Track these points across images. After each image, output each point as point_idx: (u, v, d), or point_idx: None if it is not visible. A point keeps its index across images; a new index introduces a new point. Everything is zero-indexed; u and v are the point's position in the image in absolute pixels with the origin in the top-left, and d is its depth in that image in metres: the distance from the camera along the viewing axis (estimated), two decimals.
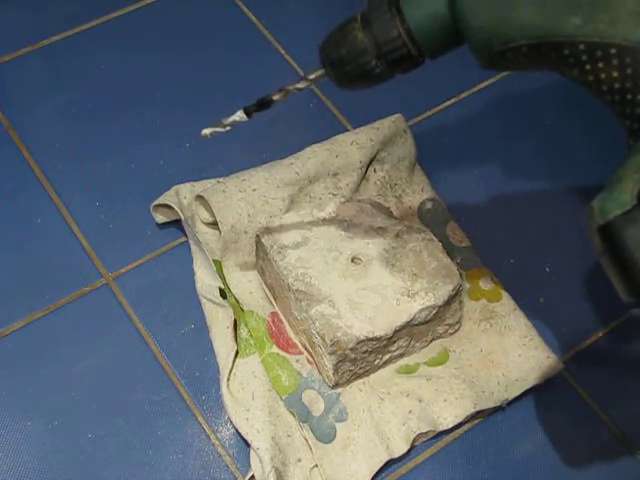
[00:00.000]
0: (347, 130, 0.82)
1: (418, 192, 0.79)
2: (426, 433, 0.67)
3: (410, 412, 0.66)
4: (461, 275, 0.71)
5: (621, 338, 0.74)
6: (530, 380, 0.69)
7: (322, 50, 0.56)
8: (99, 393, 0.68)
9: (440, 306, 0.67)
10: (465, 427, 0.69)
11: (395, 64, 0.54)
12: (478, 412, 0.68)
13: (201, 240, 0.73)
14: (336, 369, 0.66)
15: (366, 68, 0.55)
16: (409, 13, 0.52)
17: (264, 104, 0.58)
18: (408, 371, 0.69)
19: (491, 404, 0.68)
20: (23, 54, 0.87)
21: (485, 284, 0.74)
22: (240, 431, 0.65)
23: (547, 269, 0.77)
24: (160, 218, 0.77)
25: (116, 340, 0.71)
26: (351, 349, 0.65)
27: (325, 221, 0.71)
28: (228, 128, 0.59)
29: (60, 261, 0.74)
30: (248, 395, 0.67)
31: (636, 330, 0.75)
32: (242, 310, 0.70)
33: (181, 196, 0.75)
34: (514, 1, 0.49)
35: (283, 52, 0.90)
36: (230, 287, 0.72)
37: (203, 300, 0.72)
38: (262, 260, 0.71)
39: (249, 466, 0.65)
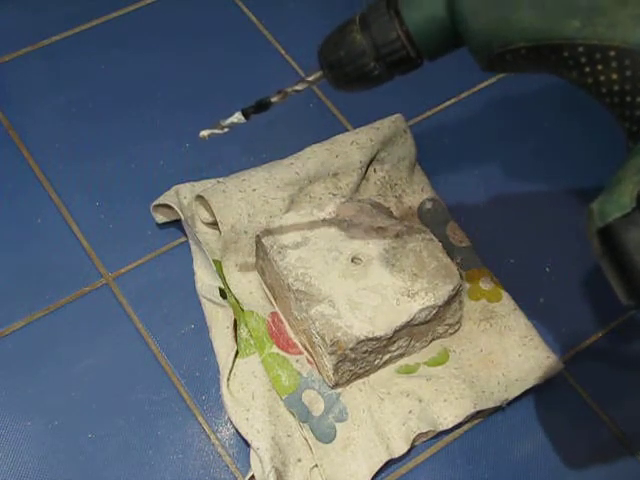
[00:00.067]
0: (347, 130, 0.82)
1: (418, 192, 0.79)
2: (426, 433, 0.67)
3: (410, 412, 0.66)
4: (461, 275, 0.71)
5: (621, 338, 0.74)
6: (530, 380, 0.70)
7: (320, 52, 0.56)
8: (99, 393, 0.68)
9: (440, 306, 0.67)
10: (465, 427, 0.69)
11: (394, 66, 0.54)
12: (478, 412, 0.68)
13: (201, 240, 0.73)
14: (336, 369, 0.66)
15: (364, 70, 0.54)
16: (408, 15, 0.52)
17: (262, 106, 0.58)
18: (408, 371, 0.70)
19: (491, 404, 0.68)
20: (23, 54, 0.87)
21: (485, 284, 0.74)
22: (240, 431, 0.65)
23: (547, 269, 0.77)
24: (160, 218, 0.77)
25: (116, 340, 0.71)
26: (351, 349, 0.65)
27: (325, 221, 0.71)
28: (226, 130, 0.59)
29: (60, 261, 0.75)
30: (248, 395, 0.67)
31: (636, 330, 0.75)
32: (242, 310, 0.71)
33: (181, 196, 0.75)
34: (514, 4, 0.49)
35: (283, 52, 0.90)
36: (230, 287, 0.72)
37: (203, 300, 0.72)
38: (262, 260, 0.71)
39: (249, 466, 0.65)
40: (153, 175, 0.80)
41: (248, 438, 0.65)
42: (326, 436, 0.66)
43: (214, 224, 0.73)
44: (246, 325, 0.70)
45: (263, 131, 0.82)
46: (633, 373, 0.73)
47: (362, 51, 0.54)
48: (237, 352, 0.69)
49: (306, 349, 0.69)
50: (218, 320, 0.71)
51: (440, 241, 0.71)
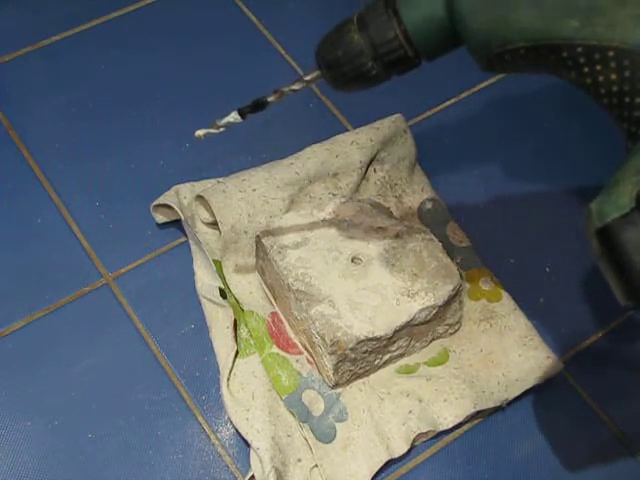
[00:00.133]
0: (347, 130, 0.82)
1: (418, 192, 0.79)
2: (426, 433, 0.67)
3: (410, 412, 0.66)
4: (461, 275, 0.71)
5: (621, 338, 0.74)
6: (530, 380, 0.70)
7: (318, 52, 0.56)
8: (99, 393, 0.68)
9: (440, 306, 0.67)
10: (465, 427, 0.69)
11: (391, 66, 0.54)
12: (478, 412, 0.68)
13: (201, 240, 0.73)
14: (336, 369, 0.66)
15: (362, 70, 0.54)
16: (406, 15, 0.52)
17: (259, 105, 0.58)
18: (408, 371, 0.70)
19: (491, 404, 0.68)
20: (23, 54, 0.87)
21: (485, 284, 0.74)
22: (240, 431, 0.65)
23: (547, 269, 0.77)
24: (160, 218, 0.77)
25: (116, 340, 0.71)
26: (351, 349, 0.65)
27: (325, 221, 0.71)
28: (222, 129, 0.59)
29: (60, 261, 0.75)
30: (248, 395, 0.67)
31: (636, 330, 0.75)
32: (242, 310, 0.71)
33: (181, 196, 0.75)
34: (513, 3, 0.49)
35: (283, 52, 0.90)
36: (230, 287, 0.72)
37: (203, 300, 0.72)
38: (262, 260, 0.71)
39: (249, 466, 0.65)
40: (153, 175, 0.80)
41: (248, 438, 0.65)
42: (326, 436, 0.66)
43: (214, 224, 0.73)
44: (246, 325, 0.70)
45: (263, 131, 0.82)
46: (633, 373, 0.73)
47: (360, 51, 0.54)
48: (237, 352, 0.69)
49: (306, 349, 0.69)
50: (218, 320, 0.71)
51: (440, 241, 0.71)
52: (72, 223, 0.77)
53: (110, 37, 0.89)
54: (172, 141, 0.82)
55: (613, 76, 0.47)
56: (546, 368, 0.70)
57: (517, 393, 0.69)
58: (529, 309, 0.73)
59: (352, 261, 0.69)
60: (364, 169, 0.77)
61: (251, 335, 0.70)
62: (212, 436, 0.67)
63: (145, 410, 0.68)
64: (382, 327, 0.66)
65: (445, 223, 0.77)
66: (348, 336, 0.65)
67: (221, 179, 0.75)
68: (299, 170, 0.75)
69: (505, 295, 0.74)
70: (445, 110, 0.87)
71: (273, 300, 0.72)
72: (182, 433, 0.67)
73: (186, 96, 0.85)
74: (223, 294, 0.71)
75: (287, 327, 0.71)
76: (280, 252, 0.69)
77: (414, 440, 0.66)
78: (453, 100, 0.88)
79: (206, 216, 0.74)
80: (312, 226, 0.71)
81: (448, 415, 0.67)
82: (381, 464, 0.65)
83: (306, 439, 0.65)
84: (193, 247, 0.75)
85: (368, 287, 0.68)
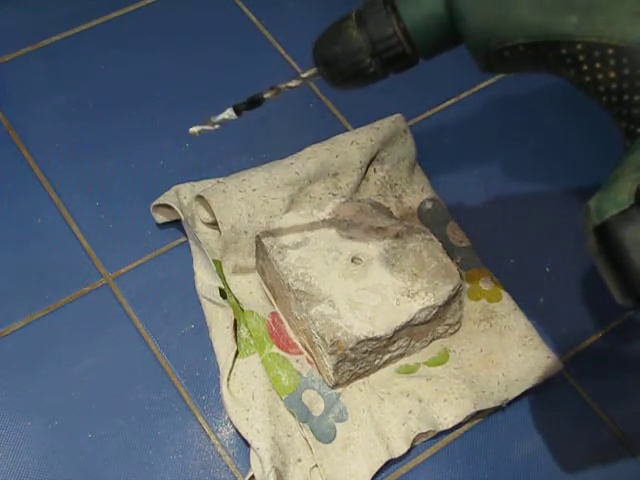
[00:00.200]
0: (347, 130, 0.82)
1: (418, 192, 0.79)
2: (426, 433, 0.67)
3: (410, 412, 0.66)
4: (461, 275, 0.71)
5: (621, 338, 0.74)
6: (530, 380, 0.69)
7: (315, 48, 0.55)
8: (99, 393, 0.68)
9: (440, 306, 0.67)
10: (465, 427, 0.69)
11: (389, 63, 0.54)
12: (478, 412, 0.68)
13: (201, 240, 0.73)
14: (336, 369, 0.66)
15: (360, 67, 0.54)
16: (405, 11, 0.52)
17: (255, 102, 0.58)
18: (408, 371, 0.69)
19: (491, 404, 0.68)
20: (23, 54, 0.87)
21: (485, 284, 0.74)
22: (240, 431, 0.65)
23: (547, 269, 0.77)
24: (160, 218, 0.77)
25: (116, 340, 0.71)
26: (351, 349, 0.65)
27: (325, 221, 0.71)
28: (217, 126, 0.58)
29: (60, 261, 0.75)
30: (248, 395, 0.67)
31: (636, 330, 0.75)
32: (242, 310, 0.71)
33: (181, 196, 0.75)
34: (512, 0, 0.49)
35: (283, 52, 0.90)
36: (230, 287, 0.72)
37: (203, 300, 0.72)
38: (262, 260, 0.71)
39: (249, 466, 0.65)
40: (153, 175, 0.80)
41: (248, 438, 0.65)
42: (326, 436, 0.66)
43: (214, 224, 0.73)
44: (246, 325, 0.70)
45: (263, 131, 0.82)
46: (633, 373, 0.73)
47: (358, 47, 0.53)
48: (237, 352, 0.69)
49: (306, 349, 0.69)
50: (218, 320, 0.71)
51: (440, 241, 0.71)
52: (72, 223, 0.77)
53: (110, 37, 0.89)
54: (172, 141, 0.82)
55: (612, 74, 0.47)
56: (546, 368, 0.70)
57: (517, 393, 0.69)
58: (529, 309, 0.73)
59: (352, 261, 0.69)
60: (364, 169, 0.77)
61: (251, 335, 0.70)
62: (212, 436, 0.67)
63: (145, 410, 0.68)
64: (382, 327, 0.66)
65: (445, 223, 0.77)
66: (348, 336, 0.65)
67: (221, 179, 0.75)
68: (299, 170, 0.75)
69: (505, 295, 0.74)
70: (445, 110, 0.87)
71: (273, 300, 0.72)
72: (182, 433, 0.67)
73: (186, 96, 0.85)
74: (223, 294, 0.71)
75: (287, 327, 0.71)
76: (280, 252, 0.69)
77: (414, 440, 0.66)
78: (453, 100, 0.88)
79: (206, 216, 0.74)
80: (312, 226, 0.71)
81: (448, 415, 0.67)
82: (381, 464, 0.65)
83: (306, 439, 0.65)
84: (193, 247, 0.75)
85: (368, 287, 0.68)
